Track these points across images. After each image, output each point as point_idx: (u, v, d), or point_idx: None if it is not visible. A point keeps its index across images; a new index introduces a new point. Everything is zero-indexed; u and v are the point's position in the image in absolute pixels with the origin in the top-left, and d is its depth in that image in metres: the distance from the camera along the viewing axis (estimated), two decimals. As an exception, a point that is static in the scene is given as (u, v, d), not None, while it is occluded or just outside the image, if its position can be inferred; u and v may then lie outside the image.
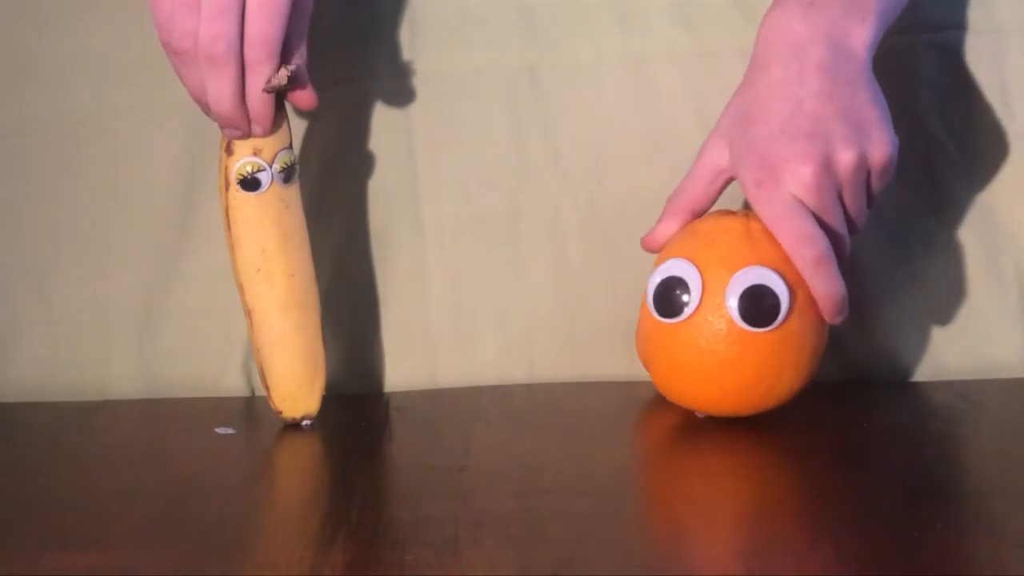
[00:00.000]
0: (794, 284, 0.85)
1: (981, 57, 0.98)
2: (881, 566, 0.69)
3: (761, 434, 0.87)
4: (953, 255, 0.98)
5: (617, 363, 0.95)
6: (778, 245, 0.85)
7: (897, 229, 0.98)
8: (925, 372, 0.98)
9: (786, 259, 0.85)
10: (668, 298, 0.86)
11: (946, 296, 0.98)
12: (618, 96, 0.97)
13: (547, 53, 0.97)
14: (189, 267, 0.97)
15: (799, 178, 0.84)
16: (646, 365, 0.90)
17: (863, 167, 0.85)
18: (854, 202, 0.86)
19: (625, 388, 0.95)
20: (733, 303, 0.85)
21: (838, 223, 0.86)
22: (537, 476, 0.81)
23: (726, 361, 0.86)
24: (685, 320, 0.86)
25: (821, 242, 0.84)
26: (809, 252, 0.84)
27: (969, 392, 0.95)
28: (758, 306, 0.85)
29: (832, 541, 0.72)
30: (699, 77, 0.96)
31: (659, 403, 0.91)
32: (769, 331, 0.85)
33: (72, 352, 0.98)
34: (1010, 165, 0.98)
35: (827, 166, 0.84)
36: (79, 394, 0.97)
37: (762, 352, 0.85)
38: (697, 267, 0.86)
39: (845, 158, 0.85)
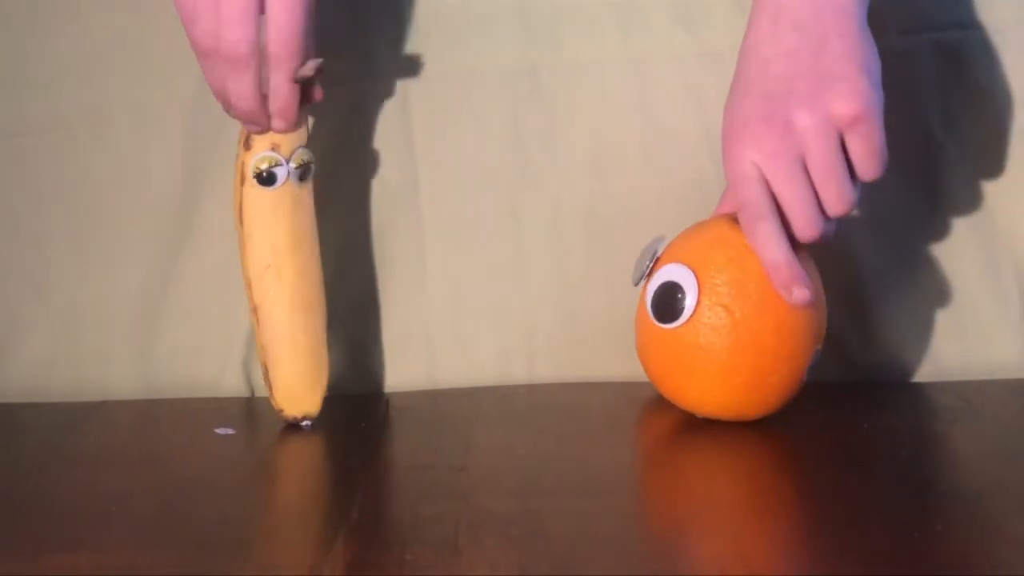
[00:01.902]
0: (721, 300, 0.85)
1: (982, 57, 0.98)
2: (881, 566, 0.69)
3: (761, 434, 0.87)
4: (953, 255, 0.98)
5: (617, 363, 0.95)
6: (732, 259, 0.85)
7: (897, 229, 0.98)
8: (925, 372, 0.98)
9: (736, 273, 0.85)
10: (638, 262, 0.89)
11: (946, 296, 0.98)
12: (618, 96, 0.97)
13: (547, 53, 0.97)
14: (189, 267, 0.97)
15: (757, 142, 0.83)
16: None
17: (827, 128, 0.83)
18: (823, 168, 0.83)
19: (625, 388, 0.95)
20: (650, 293, 0.87)
21: (799, 192, 0.83)
22: (537, 476, 0.81)
23: (643, 344, 0.88)
24: (641, 291, 0.88)
25: (756, 208, 0.83)
26: (744, 216, 0.84)
27: (969, 392, 0.95)
28: (661, 301, 0.86)
29: (832, 541, 0.72)
30: (699, 77, 0.96)
31: (659, 403, 0.91)
32: (668, 328, 0.86)
33: (71, 352, 0.98)
34: (1010, 165, 0.98)
35: (785, 129, 0.83)
36: (78, 395, 0.97)
37: (665, 346, 0.87)
38: (666, 250, 0.88)
39: (801, 119, 0.83)
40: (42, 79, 0.97)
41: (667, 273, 0.86)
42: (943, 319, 0.98)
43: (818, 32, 0.84)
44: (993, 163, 0.98)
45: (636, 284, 0.89)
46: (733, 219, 0.86)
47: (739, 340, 0.85)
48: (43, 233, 0.98)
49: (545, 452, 0.86)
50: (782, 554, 0.71)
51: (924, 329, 0.98)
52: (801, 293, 0.84)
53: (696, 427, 0.88)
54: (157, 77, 0.95)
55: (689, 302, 0.85)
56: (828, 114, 0.83)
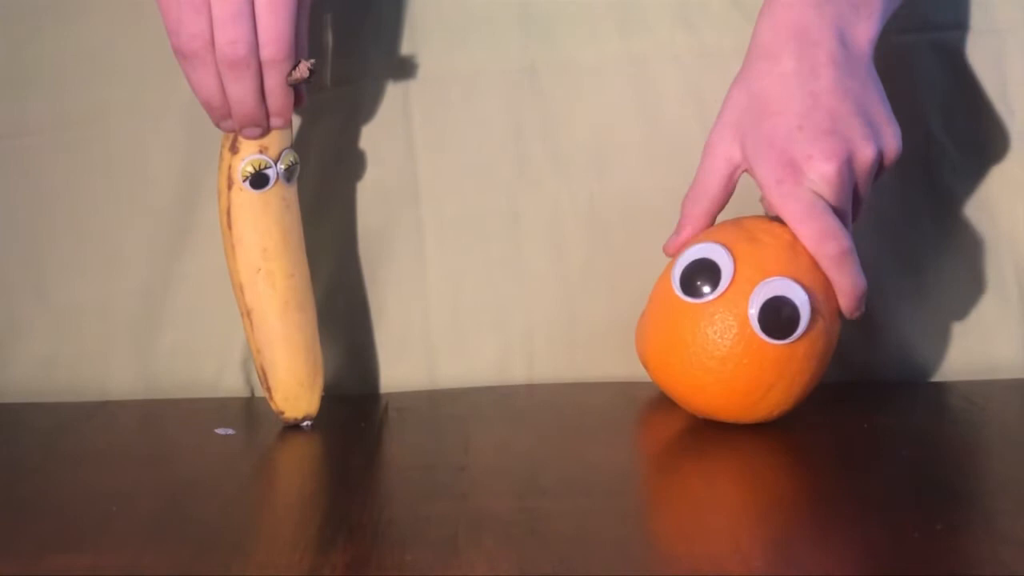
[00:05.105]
0: (818, 309, 0.85)
1: (981, 57, 0.98)
2: (881, 566, 0.69)
3: (762, 434, 0.87)
4: (953, 255, 0.98)
5: (617, 363, 0.95)
6: (818, 266, 0.85)
7: (897, 229, 0.98)
8: (926, 373, 0.98)
9: (821, 282, 0.85)
10: (695, 278, 0.85)
11: (947, 297, 0.98)
12: (618, 96, 0.97)
13: (547, 53, 0.97)
14: (188, 267, 0.97)
15: (823, 176, 0.84)
16: (642, 344, 0.89)
17: (878, 163, 0.86)
18: (861, 194, 0.86)
19: (625, 388, 0.95)
20: (755, 307, 0.84)
21: (848, 217, 0.86)
22: (537, 476, 0.81)
23: (726, 358, 0.85)
24: (704, 304, 0.85)
25: (844, 238, 0.84)
26: (833, 248, 0.84)
27: (970, 393, 0.95)
28: (776, 317, 0.84)
29: (832, 541, 0.72)
30: (699, 77, 0.96)
31: (659, 403, 0.91)
32: (778, 344, 0.84)
33: (72, 352, 0.98)
34: (1010, 165, 0.98)
35: (849, 163, 0.84)
36: (79, 395, 0.97)
37: (763, 362, 0.85)
38: (733, 259, 0.85)
39: (865, 155, 0.85)
40: (42, 79, 0.97)
41: (784, 287, 0.84)
42: (944, 319, 0.98)
43: (853, 72, 0.85)
44: (993, 163, 0.98)
45: (695, 298, 0.86)
46: (771, 221, 0.87)
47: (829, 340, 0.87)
48: (43, 233, 0.98)
49: (545, 452, 0.86)
50: (782, 554, 0.71)
51: (925, 329, 0.98)
52: (862, 310, 0.87)
53: (696, 427, 0.88)
54: (157, 77, 0.95)
55: (804, 315, 0.85)
56: (879, 153, 0.86)
